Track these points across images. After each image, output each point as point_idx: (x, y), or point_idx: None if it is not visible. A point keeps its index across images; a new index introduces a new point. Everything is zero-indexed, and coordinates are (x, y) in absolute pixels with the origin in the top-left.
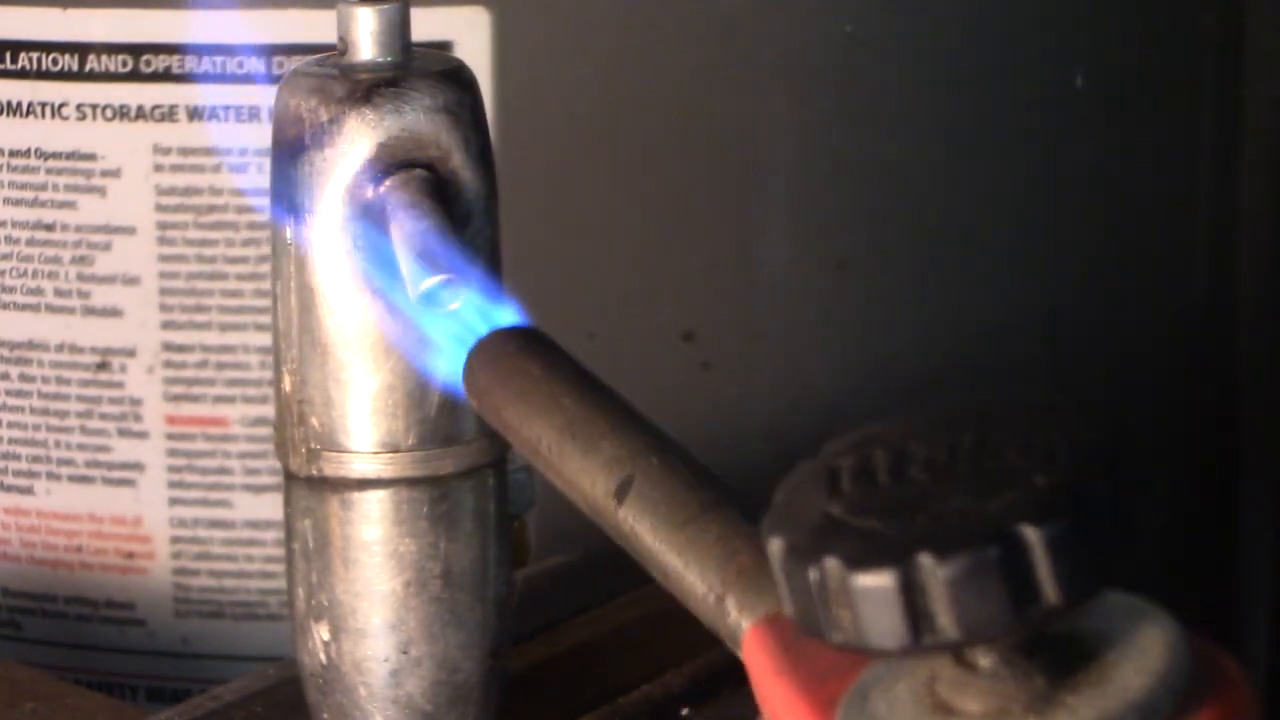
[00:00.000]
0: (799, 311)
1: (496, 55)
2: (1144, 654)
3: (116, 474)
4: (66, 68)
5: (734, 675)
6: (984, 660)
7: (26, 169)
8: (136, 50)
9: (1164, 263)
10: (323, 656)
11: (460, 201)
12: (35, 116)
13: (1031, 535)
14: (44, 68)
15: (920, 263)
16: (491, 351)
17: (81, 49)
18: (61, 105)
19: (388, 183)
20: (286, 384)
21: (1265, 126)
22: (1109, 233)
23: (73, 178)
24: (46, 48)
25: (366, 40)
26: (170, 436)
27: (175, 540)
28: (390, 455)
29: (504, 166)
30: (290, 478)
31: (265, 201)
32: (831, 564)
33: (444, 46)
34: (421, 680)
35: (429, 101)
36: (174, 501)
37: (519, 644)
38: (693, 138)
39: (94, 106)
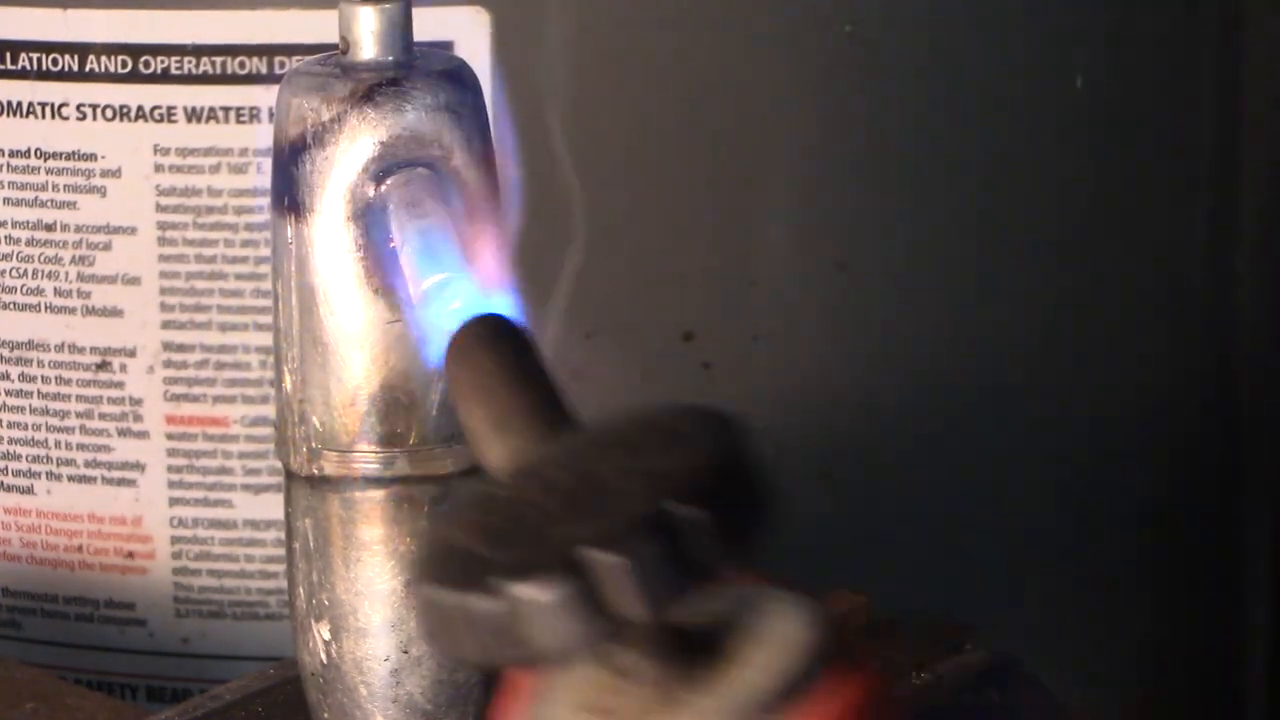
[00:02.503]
0: (799, 311)
1: (496, 55)
2: (772, 646)
3: (117, 474)
4: (66, 68)
5: None
6: (628, 662)
7: (26, 169)
8: (136, 50)
9: (1164, 262)
10: (323, 656)
11: (462, 201)
12: (35, 116)
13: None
14: (44, 68)
15: (920, 263)
16: (466, 342)
17: (81, 49)
18: (61, 105)
19: (389, 182)
20: (287, 383)
21: (1265, 126)
22: (1109, 233)
23: (73, 178)
24: (46, 48)
25: (368, 39)
26: (170, 436)
27: (175, 540)
28: (391, 454)
29: (503, 166)
30: (291, 477)
31: (265, 201)
32: (510, 586)
33: (444, 46)
34: (422, 680)
35: (431, 100)
36: (174, 501)
37: None
38: (693, 137)
39: (94, 106)
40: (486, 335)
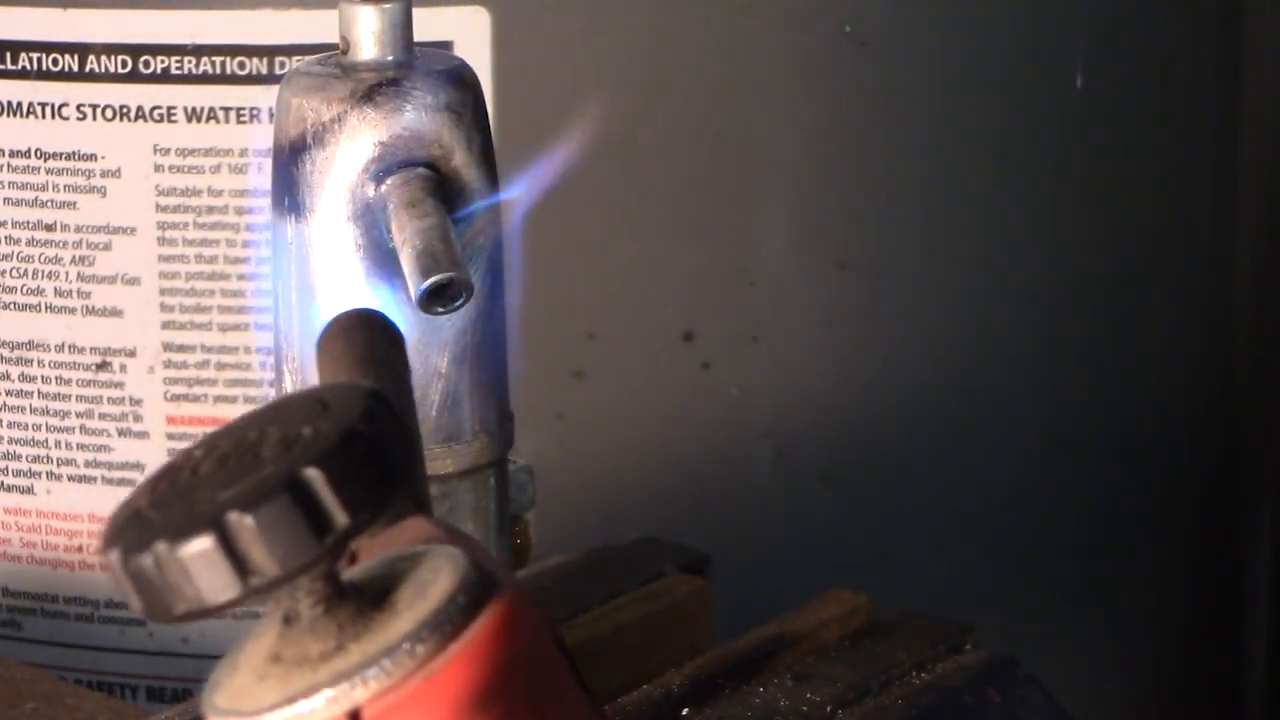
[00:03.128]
0: (799, 311)
1: (496, 55)
2: (423, 597)
3: (117, 474)
4: (66, 68)
5: (734, 675)
6: (302, 612)
7: (27, 169)
8: (136, 50)
9: (1163, 262)
10: None
11: (462, 200)
12: (35, 117)
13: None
14: (44, 68)
15: (920, 263)
16: (324, 333)
17: (81, 49)
18: (61, 105)
19: (389, 181)
20: (287, 383)
21: (1265, 127)
22: (1108, 232)
23: (73, 178)
24: (46, 48)
25: (368, 39)
26: (171, 436)
27: None
28: None
29: (504, 166)
30: None
31: (265, 202)
32: (159, 546)
33: (444, 46)
34: None
35: (431, 100)
36: None
37: None
38: (693, 138)
39: (94, 106)
40: (347, 323)
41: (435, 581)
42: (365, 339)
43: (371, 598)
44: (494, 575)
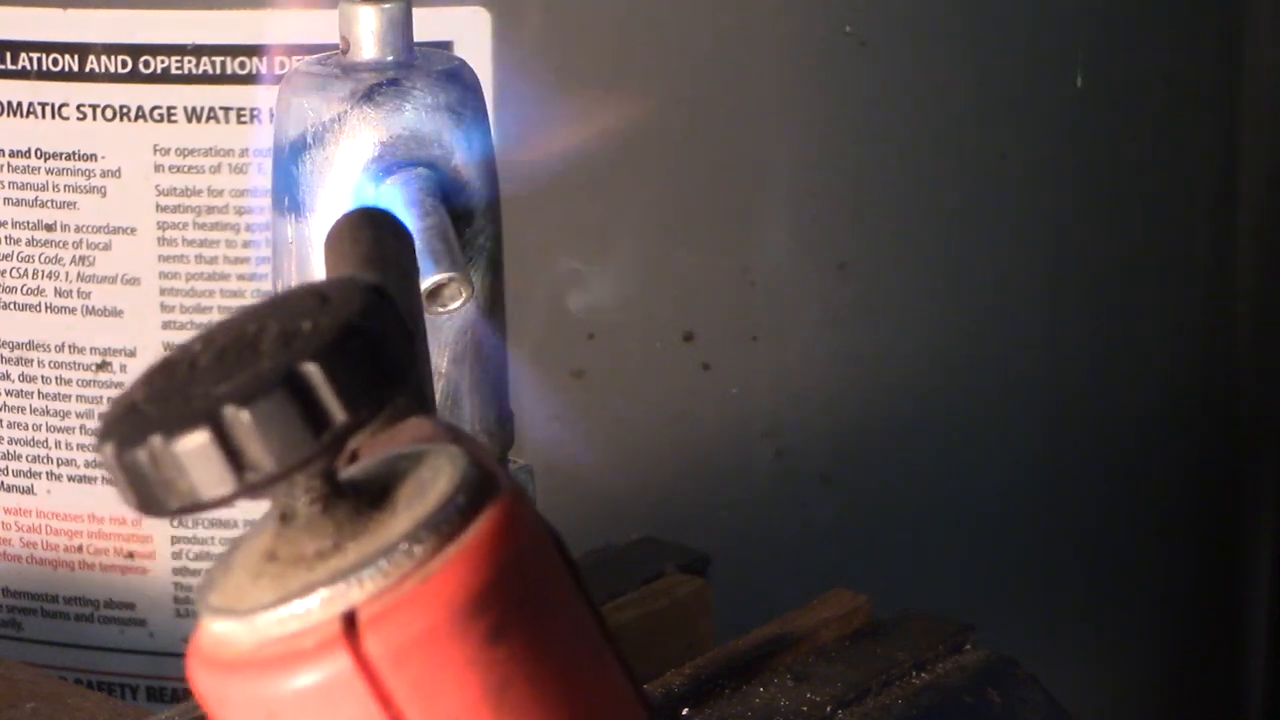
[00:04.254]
0: (799, 312)
1: (496, 55)
2: (421, 497)
3: None
4: (66, 68)
5: (734, 675)
6: (299, 511)
7: (26, 169)
8: (136, 50)
9: (1163, 262)
10: None
11: (462, 200)
12: (35, 116)
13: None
14: (44, 68)
15: (920, 263)
16: (332, 232)
17: (81, 49)
18: (61, 105)
19: (389, 181)
20: None
21: (1265, 127)
22: (1108, 232)
23: (73, 178)
24: (46, 48)
25: (369, 39)
26: None
27: (175, 540)
28: None
29: (504, 166)
30: None
31: (265, 202)
32: (154, 441)
33: (444, 46)
34: None
35: (431, 100)
36: None
37: None
38: (693, 138)
39: (94, 106)
40: (353, 221)
41: (435, 481)
42: (372, 236)
43: (370, 497)
44: (495, 476)
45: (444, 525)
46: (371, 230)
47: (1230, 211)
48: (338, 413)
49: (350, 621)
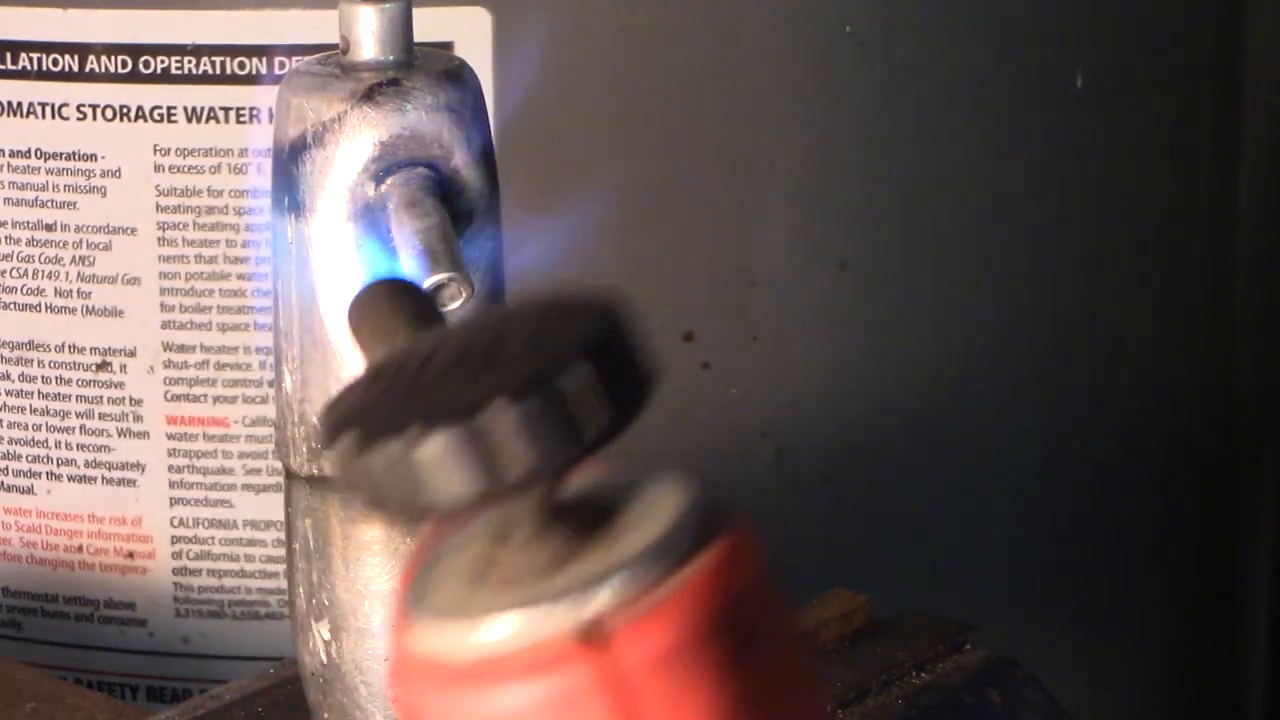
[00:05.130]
0: (799, 311)
1: (496, 55)
2: (657, 521)
3: (117, 474)
4: (66, 68)
5: None
6: (518, 531)
7: (27, 169)
8: (136, 50)
9: (1163, 262)
10: (323, 656)
11: (462, 200)
12: (35, 116)
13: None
14: (44, 68)
15: (920, 263)
16: (364, 295)
17: (81, 49)
18: (62, 105)
19: (389, 181)
20: (287, 383)
21: (1265, 128)
22: (1108, 232)
23: (73, 178)
24: (46, 48)
25: (369, 39)
26: (171, 436)
27: (175, 540)
28: None
29: (504, 166)
30: (291, 477)
31: (265, 202)
32: (412, 436)
33: (444, 46)
34: None
35: (431, 100)
36: (174, 501)
37: None
38: (693, 138)
39: (94, 106)
40: (382, 289)
41: (662, 504)
42: (410, 299)
43: (586, 518)
44: (723, 501)
45: (688, 542)
46: (404, 295)
47: (1230, 211)
48: (601, 416)
49: (597, 631)
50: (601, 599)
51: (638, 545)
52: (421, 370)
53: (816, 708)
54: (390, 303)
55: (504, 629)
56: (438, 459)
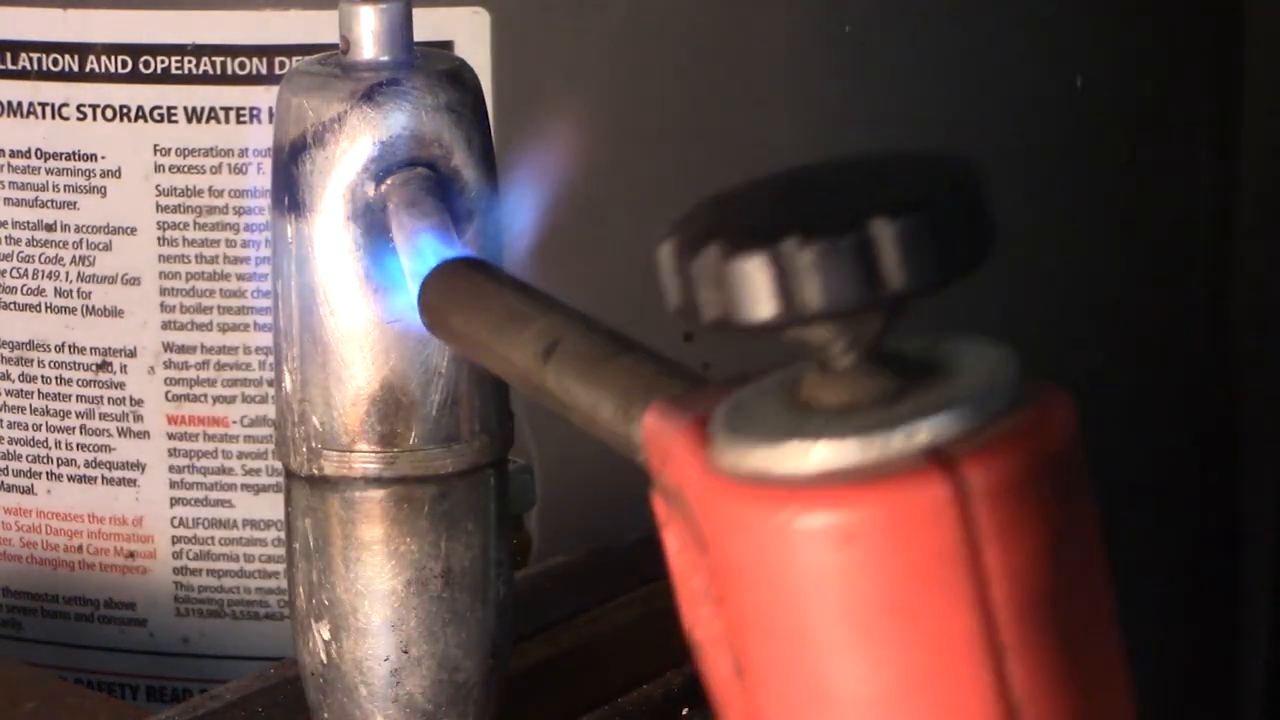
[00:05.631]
0: None
1: (496, 55)
2: (983, 368)
3: (117, 474)
4: (66, 68)
5: None
6: (843, 362)
7: (27, 169)
8: (136, 50)
9: (1163, 263)
10: (323, 656)
11: (462, 200)
12: (35, 116)
13: (882, 227)
14: (44, 68)
15: None
16: (440, 275)
17: (81, 49)
18: (62, 105)
19: (389, 181)
20: (287, 383)
21: (1265, 128)
22: (1108, 233)
23: (73, 178)
24: (46, 48)
25: (368, 39)
26: (171, 436)
27: (176, 540)
28: (391, 454)
29: (504, 166)
30: (291, 477)
31: (265, 202)
32: (710, 251)
33: (444, 46)
34: (422, 680)
35: (431, 100)
36: (174, 501)
37: (519, 644)
38: (692, 137)
39: (94, 107)
40: (467, 267)
41: (986, 359)
42: (487, 271)
43: (907, 366)
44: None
45: (1022, 387)
46: (477, 267)
47: (1230, 211)
48: (962, 250)
49: (942, 456)
50: (948, 426)
51: (975, 383)
52: (756, 199)
53: (1107, 576)
54: (470, 277)
55: (851, 448)
56: (818, 262)
